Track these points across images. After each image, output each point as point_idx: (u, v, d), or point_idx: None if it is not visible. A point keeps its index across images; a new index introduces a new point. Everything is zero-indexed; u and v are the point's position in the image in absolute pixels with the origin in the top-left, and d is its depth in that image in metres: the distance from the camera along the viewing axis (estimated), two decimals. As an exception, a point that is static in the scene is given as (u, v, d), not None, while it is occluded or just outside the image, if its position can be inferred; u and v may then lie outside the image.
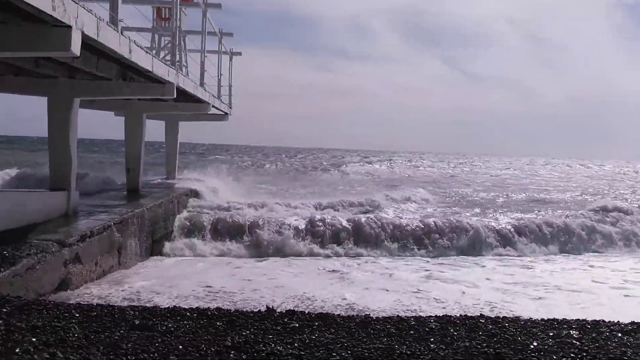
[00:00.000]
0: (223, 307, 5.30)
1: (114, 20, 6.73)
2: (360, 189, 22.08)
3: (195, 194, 13.58)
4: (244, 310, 5.27)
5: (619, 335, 4.83)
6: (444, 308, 6.50)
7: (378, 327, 4.82)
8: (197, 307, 5.25)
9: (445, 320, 5.16)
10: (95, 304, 5.20)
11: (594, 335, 4.79)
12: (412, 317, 5.31)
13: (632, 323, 5.31)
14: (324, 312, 5.29)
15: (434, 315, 5.45)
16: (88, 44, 6.00)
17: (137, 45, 7.59)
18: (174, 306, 5.33)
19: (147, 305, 5.42)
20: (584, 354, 4.23)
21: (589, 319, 5.45)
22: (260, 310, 5.26)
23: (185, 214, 11.91)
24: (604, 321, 5.37)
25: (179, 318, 4.77)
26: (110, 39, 6.42)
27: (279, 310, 5.26)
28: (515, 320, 5.26)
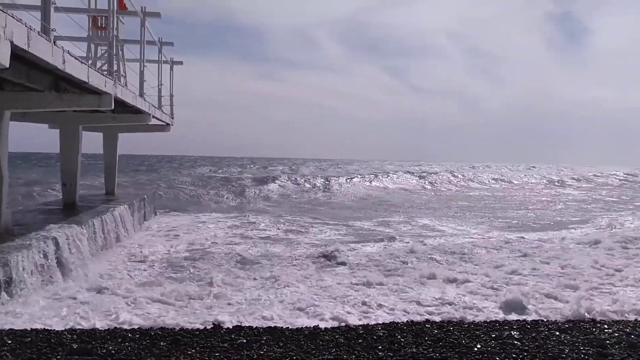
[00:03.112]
0: (167, 327, 5.12)
1: (46, 30, 6.42)
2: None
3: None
4: (190, 328, 5.12)
5: (557, 333, 5.05)
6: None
7: (327, 337, 4.82)
8: (139, 328, 5.05)
9: (392, 327, 5.23)
10: (29, 329, 4.90)
11: (533, 335, 4.99)
12: (361, 325, 5.35)
13: (569, 321, 5.59)
14: (272, 326, 5.22)
15: (381, 322, 5.50)
16: (18, 54, 5.69)
17: (71, 56, 7.28)
18: (115, 327, 5.10)
19: (86, 327, 5.15)
20: (525, 354, 4.39)
21: (529, 319, 5.68)
22: (206, 327, 5.14)
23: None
24: (542, 321, 5.62)
25: (119, 340, 4.58)
26: (42, 50, 6.11)
27: (225, 326, 5.15)
28: (460, 323, 5.41)
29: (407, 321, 5.54)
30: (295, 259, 9.62)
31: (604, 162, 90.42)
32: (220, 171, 51.27)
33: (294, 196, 26.26)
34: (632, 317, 5.83)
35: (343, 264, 9.19)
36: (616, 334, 4.94)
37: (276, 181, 29.95)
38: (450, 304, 6.48)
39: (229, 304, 6.35)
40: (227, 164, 67.53)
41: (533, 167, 71.99)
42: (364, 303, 6.45)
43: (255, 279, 7.85)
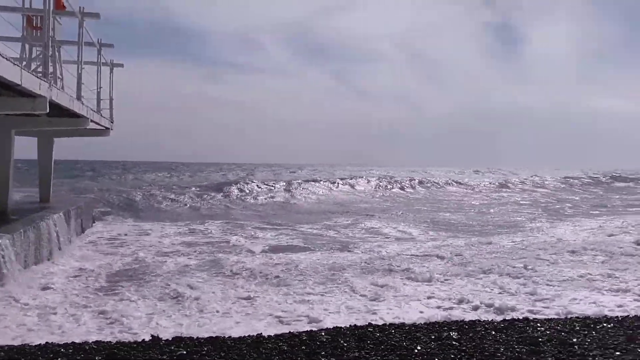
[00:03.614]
0: (102, 340, 4.92)
1: (-28, 29, 6.09)
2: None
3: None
4: (126, 340, 4.94)
5: (493, 333, 5.23)
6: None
7: (270, 345, 4.78)
8: (72, 342, 4.82)
9: (335, 332, 5.25)
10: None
11: (471, 334, 5.14)
12: (304, 332, 5.34)
13: (504, 321, 5.80)
14: (213, 336, 5.12)
15: (325, 328, 5.52)
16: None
17: (3, 57, 6.91)
18: (46, 342, 4.85)
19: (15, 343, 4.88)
20: (463, 354, 4.52)
21: (467, 319, 5.85)
22: (144, 339, 4.97)
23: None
24: (479, 320, 5.80)
25: (51, 356, 4.35)
26: (-32, 50, 5.78)
27: (164, 337, 5.00)
28: (401, 326, 5.49)
29: (350, 325, 5.58)
30: (239, 266, 9.50)
31: (541, 166, 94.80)
32: (167, 175, 50.11)
33: (248, 201, 25.90)
34: (562, 316, 6.13)
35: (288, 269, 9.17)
36: (548, 332, 5.17)
37: (228, 187, 29.32)
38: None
39: (168, 315, 6.19)
40: (173, 169, 66.10)
41: (478, 171, 74.46)
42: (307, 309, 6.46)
43: (196, 288, 7.69)
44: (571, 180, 51.14)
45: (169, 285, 7.81)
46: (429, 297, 7.28)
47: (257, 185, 31.11)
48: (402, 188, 36.79)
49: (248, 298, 7.16)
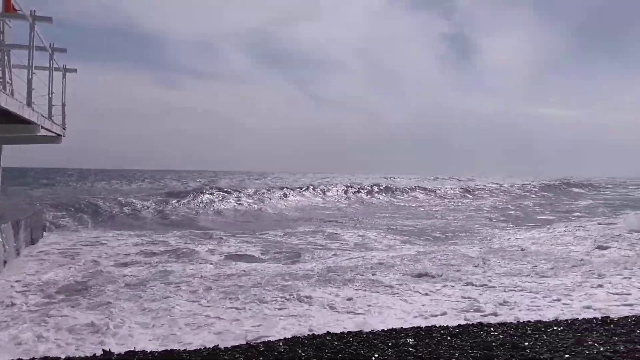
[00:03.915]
0: (50, 355, 4.73)
1: None
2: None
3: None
4: (75, 357, 4.76)
5: (448, 338, 5.31)
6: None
7: (227, 357, 4.69)
8: (19, 359, 4.62)
9: (293, 342, 5.21)
10: None
11: (427, 341, 5.20)
12: (262, 342, 5.28)
13: (459, 326, 5.89)
14: (168, 349, 4.99)
15: (282, 338, 5.47)
16: None
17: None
18: (-11, 360, 4.63)
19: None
20: (419, 360, 4.57)
21: (423, 325, 5.92)
22: (95, 354, 4.81)
23: None
24: (435, 326, 5.88)
25: (-6, 374, 4.16)
26: None
27: (117, 352, 4.85)
28: (359, 334, 5.51)
29: (308, 335, 5.56)
30: (194, 276, 9.34)
31: (495, 173, 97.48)
32: (127, 182, 48.88)
33: (210, 209, 25.43)
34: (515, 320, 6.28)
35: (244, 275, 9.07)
36: (501, 336, 5.29)
37: (190, 195, 28.69)
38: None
39: (121, 329, 6.01)
40: (131, 176, 64.54)
41: (438, 177, 75.81)
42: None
43: (148, 300, 7.51)
44: (529, 186, 52.83)
45: (120, 297, 7.59)
46: (388, 307, 7.32)
47: (220, 193, 30.68)
48: (369, 193, 37.15)
49: (204, 308, 7.03)
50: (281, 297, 7.75)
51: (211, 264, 10.85)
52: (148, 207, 24.08)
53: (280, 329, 6.15)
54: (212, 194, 29.90)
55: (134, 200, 25.25)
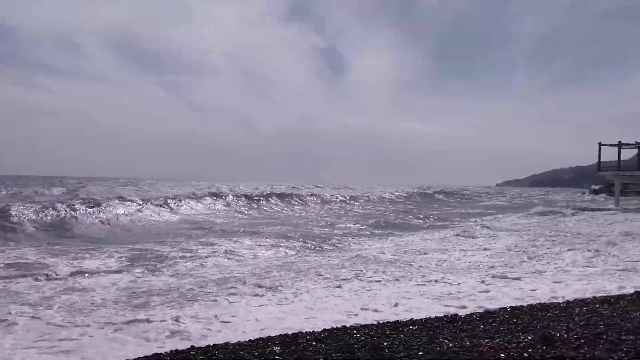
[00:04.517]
0: None
1: None
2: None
3: None
4: None
5: (314, 343, 5.42)
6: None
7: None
8: None
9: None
10: None
11: (293, 347, 5.26)
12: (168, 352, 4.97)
13: (324, 330, 6.05)
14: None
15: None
16: None
17: None
18: None
19: None
20: (284, 368, 4.60)
21: (290, 332, 5.98)
22: None
23: None
24: (302, 332, 5.97)
25: None
26: None
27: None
28: (225, 346, 5.41)
29: (171, 350, 5.33)
30: (39, 293, 8.53)
31: (362, 183, 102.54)
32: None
33: (75, 220, 23.15)
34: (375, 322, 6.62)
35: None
36: (362, 338, 5.53)
37: (54, 205, 25.73)
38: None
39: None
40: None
41: (301, 185, 77.43)
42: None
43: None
44: (388, 194, 56.25)
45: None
46: (254, 319, 7.28)
47: (85, 202, 28.13)
48: (250, 201, 36.80)
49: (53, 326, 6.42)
50: (133, 313, 7.33)
51: (59, 277, 9.96)
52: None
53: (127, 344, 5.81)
54: (84, 203, 27.32)
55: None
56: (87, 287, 9.20)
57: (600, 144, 37.05)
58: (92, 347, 5.81)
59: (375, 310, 7.46)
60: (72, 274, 10.45)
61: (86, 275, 10.42)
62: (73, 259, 12.51)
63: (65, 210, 24.52)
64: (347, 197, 47.34)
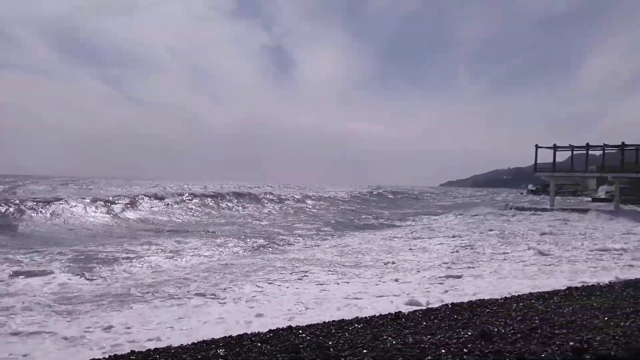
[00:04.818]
0: None
1: None
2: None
3: None
4: None
5: (259, 344, 5.36)
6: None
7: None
8: None
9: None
10: None
11: (237, 349, 5.18)
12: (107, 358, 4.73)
13: (270, 331, 6.00)
14: None
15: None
16: None
17: None
18: None
19: None
20: (227, 371, 4.52)
21: (235, 334, 5.89)
22: None
23: None
24: (247, 334, 5.90)
25: None
26: None
27: None
28: (167, 349, 5.26)
29: (110, 356, 5.13)
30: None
31: (313, 182, 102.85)
32: None
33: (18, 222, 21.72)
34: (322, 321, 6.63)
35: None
36: (308, 338, 5.52)
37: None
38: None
39: None
40: None
41: (257, 186, 76.80)
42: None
43: None
44: (341, 194, 56.66)
45: None
46: (196, 321, 7.15)
47: (25, 202, 26.43)
48: (201, 199, 35.99)
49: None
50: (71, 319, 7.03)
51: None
52: None
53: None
54: (22, 202, 25.66)
55: None
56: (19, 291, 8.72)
57: (537, 146, 38.77)
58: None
59: (320, 309, 7.49)
60: (10, 276, 9.93)
61: (20, 276, 9.91)
62: (9, 260, 11.84)
63: (7, 209, 23.19)
64: (301, 197, 47.33)
